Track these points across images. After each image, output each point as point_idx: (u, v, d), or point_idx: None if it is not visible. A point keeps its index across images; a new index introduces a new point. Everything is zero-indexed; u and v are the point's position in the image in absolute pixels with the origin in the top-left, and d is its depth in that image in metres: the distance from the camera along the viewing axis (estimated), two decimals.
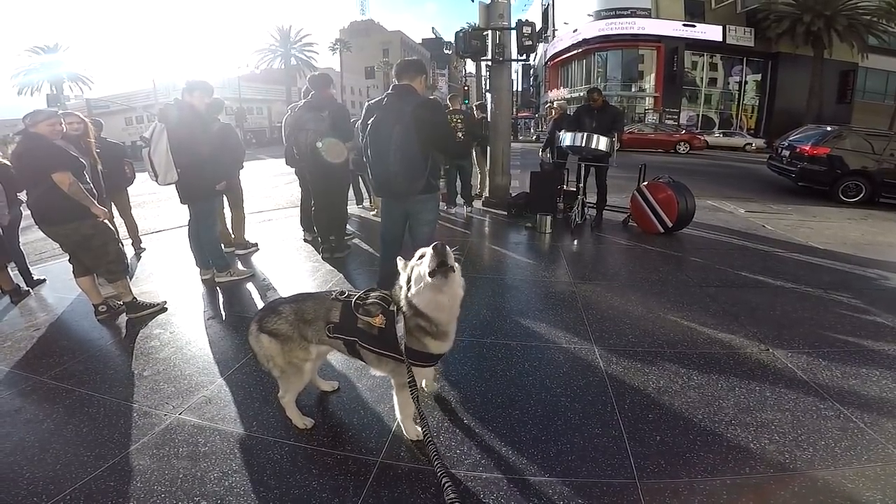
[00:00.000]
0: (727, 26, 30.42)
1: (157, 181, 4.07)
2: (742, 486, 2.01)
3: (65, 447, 2.29)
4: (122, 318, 3.82)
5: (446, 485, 1.32)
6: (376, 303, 2.14)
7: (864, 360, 3.05)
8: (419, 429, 2.25)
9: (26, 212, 3.85)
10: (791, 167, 10.49)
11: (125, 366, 3.11)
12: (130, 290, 3.86)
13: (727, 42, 30.74)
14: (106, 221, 3.67)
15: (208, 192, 4.35)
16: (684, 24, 30.60)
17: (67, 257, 3.87)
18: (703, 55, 32.47)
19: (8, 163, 4.74)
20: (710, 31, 30.63)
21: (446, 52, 40.20)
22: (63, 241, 3.61)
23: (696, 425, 2.41)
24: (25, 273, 4.77)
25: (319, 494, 1.98)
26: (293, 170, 5.85)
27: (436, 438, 2.31)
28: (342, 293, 2.22)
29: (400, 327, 2.00)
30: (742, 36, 30.56)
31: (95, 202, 3.55)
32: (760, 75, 32.53)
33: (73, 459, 2.20)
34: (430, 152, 3.25)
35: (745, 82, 33.01)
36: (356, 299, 2.15)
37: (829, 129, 10.45)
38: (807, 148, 10.05)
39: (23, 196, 4.70)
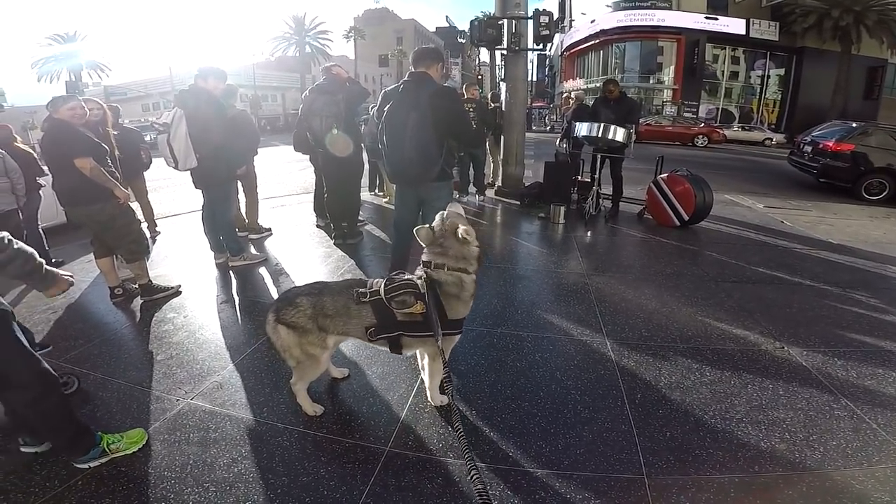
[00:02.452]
0: (751, 20, 29.69)
1: (176, 167, 4.05)
2: (751, 485, 1.99)
3: None
4: (137, 302, 3.87)
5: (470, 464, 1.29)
6: (408, 291, 2.15)
7: (880, 361, 2.99)
8: (445, 397, 2.44)
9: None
10: (813, 163, 10.23)
11: (139, 350, 3.15)
12: (147, 272, 3.92)
13: (750, 36, 29.98)
14: (128, 203, 3.75)
15: (225, 177, 4.38)
16: (706, 17, 29.91)
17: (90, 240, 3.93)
18: (725, 48, 31.67)
19: (28, 149, 4.83)
20: (733, 25, 29.81)
21: (460, 40, 39.80)
22: (89, 221, 3.69)
23: (707, 422, 2.39)
24: (44, 256, 4.84)
25: (327, 482, 1.99)
26: (307, 156, 5.86)
27: (442, 429, 2.32)
28: (363, 294, 2.17)
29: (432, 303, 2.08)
30: (766, 30, 29.73)
31: (119, 184, 3.62)
32: (784, 70, 31.65)
33: None
34: (445, 140, 3.26)
35: (768, 76, 32.18)
36: (385, 294, 2.14)
37: (854, 125, 10.17)
38: (830, 144, 9.79)
39: (42, 181, 4.79)
